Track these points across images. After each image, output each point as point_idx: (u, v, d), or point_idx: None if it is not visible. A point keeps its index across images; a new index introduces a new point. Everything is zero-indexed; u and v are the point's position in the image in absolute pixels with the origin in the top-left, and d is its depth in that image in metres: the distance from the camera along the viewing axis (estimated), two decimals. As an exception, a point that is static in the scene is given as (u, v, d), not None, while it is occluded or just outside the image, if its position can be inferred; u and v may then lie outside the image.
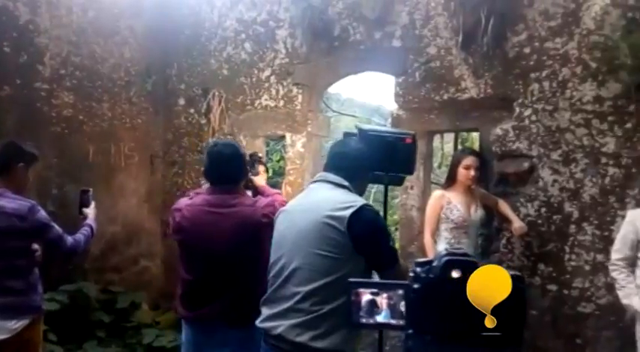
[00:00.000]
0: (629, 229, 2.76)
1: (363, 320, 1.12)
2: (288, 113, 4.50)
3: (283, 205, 2.09)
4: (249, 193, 2.53)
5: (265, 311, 1.85)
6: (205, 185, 2.60)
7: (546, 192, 3.33)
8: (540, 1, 3.34)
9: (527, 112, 3.39)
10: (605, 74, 3.11)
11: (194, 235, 2.21)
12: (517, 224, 3.19)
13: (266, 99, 4.63)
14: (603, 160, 3.16)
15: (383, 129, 2.43)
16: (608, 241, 3.01)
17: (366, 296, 1.10)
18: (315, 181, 1.96)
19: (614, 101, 3.11)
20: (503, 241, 3.47)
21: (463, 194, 3.29)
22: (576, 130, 3.23)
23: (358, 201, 1.79)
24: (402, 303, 1.07)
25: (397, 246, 4.18)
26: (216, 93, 4.79)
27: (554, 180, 3.30)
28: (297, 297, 1.72)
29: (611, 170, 3.13)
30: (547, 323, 3.30)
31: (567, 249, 3.26)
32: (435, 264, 1.05)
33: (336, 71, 4.38)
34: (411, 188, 3.99)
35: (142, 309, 4.67)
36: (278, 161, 5.55)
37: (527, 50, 3.39)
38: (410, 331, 1.06)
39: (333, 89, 7.62)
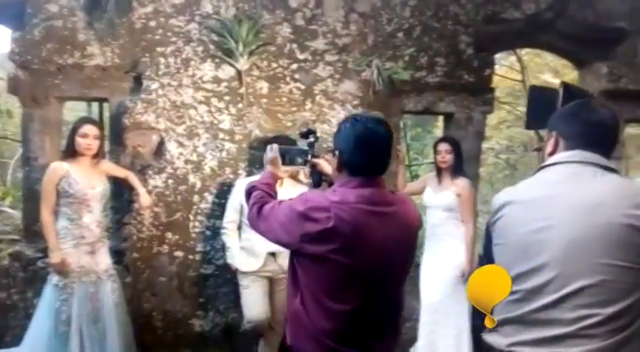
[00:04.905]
0: (235, 196, 3.16)
1: None
2: None
3: None
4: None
5: (516, 334, 1.45)
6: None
7: (173, 164, 3.49)
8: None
9: (155, 86, 3.44)
10: (220, 57, 3.42)
11: (358, 245, 1.54)
12: (143, 198, 3.22)
13: None
14: (221, 136, 3.50)
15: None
16: (225, 208, 3.37)
17: None
18: (568, 162, 1.48)
19: (229, 82, 3.46)
20: (134, 213, 3.48)
21: (85, 166, 3.10)
22: (198, 107, 3.47)
23: None
24: None
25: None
26: None
27: (180, 153, 3.48)
28: (590, 321, 1.37)
29: (227, 144, 3.50)
30: (175, 287, 3.51)
31: (192, 217, 3.52)
32: None
33: None
34: (35, 159, 3.59)
35: None
36: None
37: (152, 24, 3.41)
38: None
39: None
